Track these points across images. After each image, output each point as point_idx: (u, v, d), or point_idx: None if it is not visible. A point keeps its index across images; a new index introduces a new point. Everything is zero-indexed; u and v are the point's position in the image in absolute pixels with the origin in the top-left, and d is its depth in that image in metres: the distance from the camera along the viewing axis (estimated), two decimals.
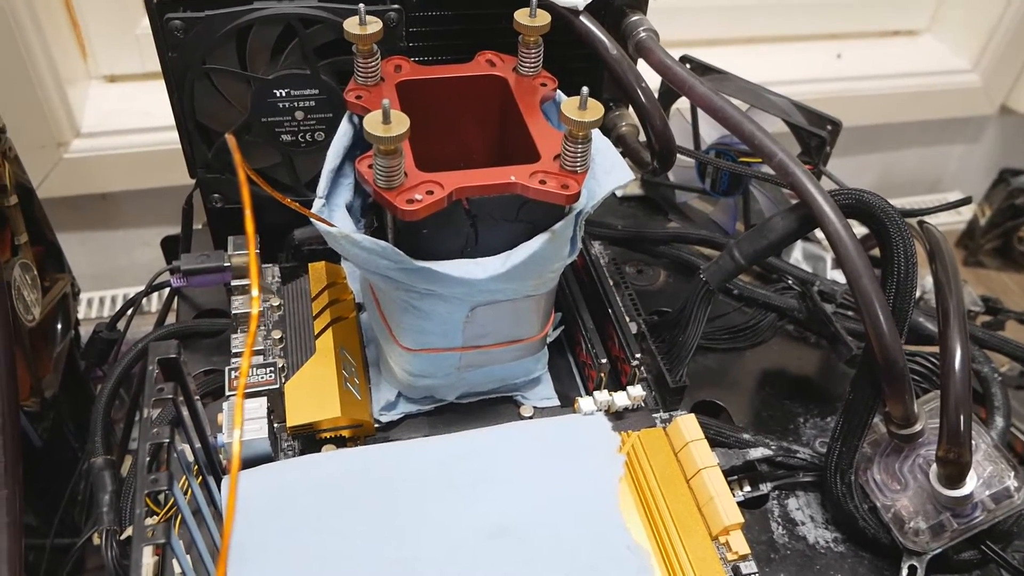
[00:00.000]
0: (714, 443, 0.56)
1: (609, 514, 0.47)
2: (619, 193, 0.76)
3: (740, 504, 0.54)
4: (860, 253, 0.46)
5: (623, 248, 0.70)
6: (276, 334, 0.56)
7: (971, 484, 0.47)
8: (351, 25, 0.45)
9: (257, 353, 0.54)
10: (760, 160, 0.65)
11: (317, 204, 0.45)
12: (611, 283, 0.59)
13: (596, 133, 0.48)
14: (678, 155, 0.64)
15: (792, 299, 0.66)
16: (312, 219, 0.43)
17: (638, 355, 0.53)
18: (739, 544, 0.48)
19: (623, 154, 0.65)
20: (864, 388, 0.50)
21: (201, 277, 0.59)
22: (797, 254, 0.71)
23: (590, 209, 0.46)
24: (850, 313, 0.64)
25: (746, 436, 0.56)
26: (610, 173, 0.47)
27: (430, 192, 0.41)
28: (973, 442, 0.50)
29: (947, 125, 1.26)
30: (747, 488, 0.55)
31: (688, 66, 0.67)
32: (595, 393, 0.52)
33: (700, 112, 0.68)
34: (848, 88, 1.17)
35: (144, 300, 0.68)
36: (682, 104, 0.71)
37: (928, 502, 0.49)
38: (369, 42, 0.46)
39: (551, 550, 0.45)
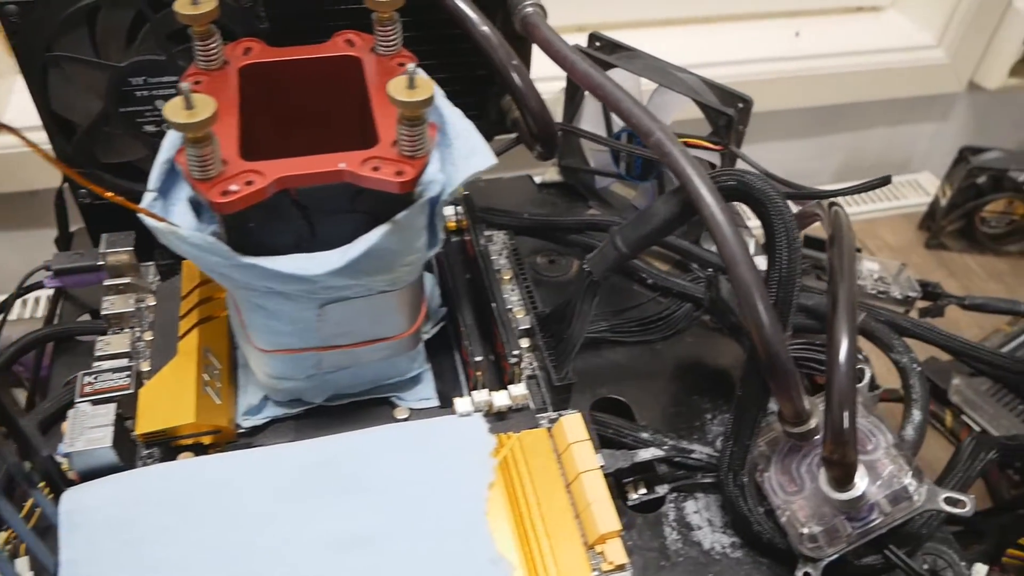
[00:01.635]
0: (611, 443, 0.53)
1: (475, 523, 0.44)
2: (538, 180, 0.73)
3: (634, 508, 0.51)
4: (737, 237, 0.42)
5: (537, 238, 0.66)
6: (148, 336, 0.54)
7: (861, 485, 0.44)
8: (182, 5, 0.42)
9: (123, 356, 0.51)
10: (718, 148, 0.62)
11: (147, 198, 0.42)
12: (502, 275, 0.56)
13: (457, 115, 0.45)
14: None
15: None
16: (139, 213, 0.40)
17: (516, 352, 0.49)
18: (616, 554, 0.45)
19: (519, 139, 0.61)
20: (753, 384, 0.47)
21: (75, 277, 0.57)
22: None
23: (447, 196, 0.43)
24: None
25: (644, 435, 0.53)
26: (469, 158, 0.43)
27: (249, 182, 0.38)
28: (873, 440, 0.47)
29: (914, 103, 1.22)
30: (642, 491, 0.52)
31: (597, 44, 0.64)
32: (474, 393, 0.49)
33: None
34: (808, 67, 1.13)
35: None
36: None
37: (823, 505, 0.46)
38: (203, 22, 0.43)
39: (407, 562, 0.42)
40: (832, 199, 0.54)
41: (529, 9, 0.52)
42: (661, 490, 0.52)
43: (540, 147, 0.53)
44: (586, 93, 0.67)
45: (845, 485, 0.43)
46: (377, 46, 0.46)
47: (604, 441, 0.53)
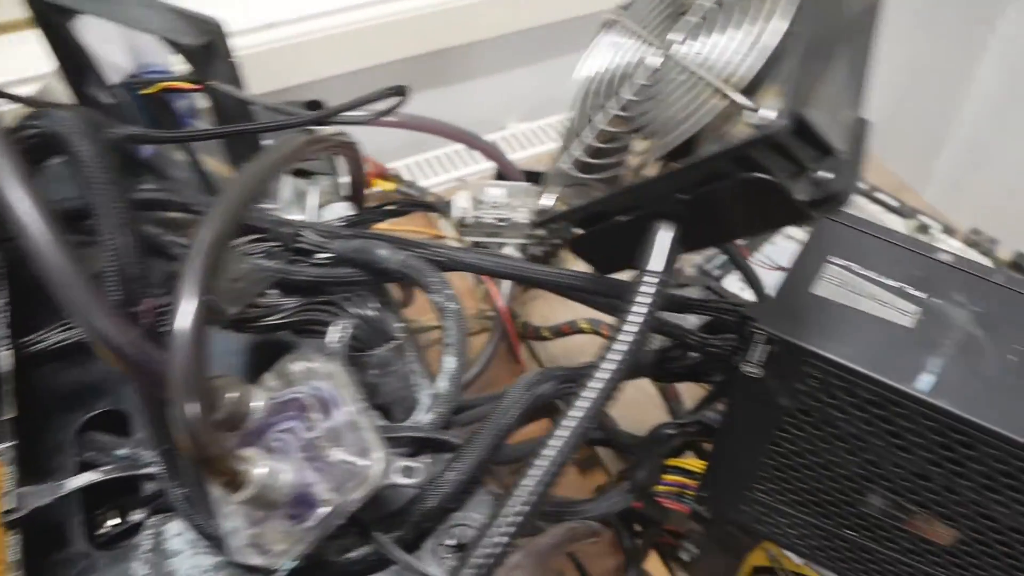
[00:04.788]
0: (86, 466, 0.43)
1: None
2: None
3: (105, 543, 0.42)
4: (28, 198, 0.32)
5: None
6: None
7: (262, 479, 0.35)
8: None
9: None
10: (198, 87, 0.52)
11: None
12: None
13: None
14: None
15: None
16: None
17: None
18: None
19: None
20: None
21: None
22: (286, 192, 0.58)
23: None
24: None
25: (122, 451, 0.44)
26: None
27: None
28: (316, 415, 0.39)
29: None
30: (112, 522, 0.43)
31: None
32: None
33: (108, 40, 0.54)
34: None
35: None
36: None
37: (247, 507, 0.37)
38: None
39: None
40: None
41: None
42: (137, 516, 0.43)
43: None
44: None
45: (231, 487, 0.34)
46: None
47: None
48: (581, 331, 0.72)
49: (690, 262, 0.87)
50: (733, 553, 0.54)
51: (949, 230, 0.87)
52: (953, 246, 0.85)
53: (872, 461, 0.41)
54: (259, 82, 0.76)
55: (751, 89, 0.30)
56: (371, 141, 1.06)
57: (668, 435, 0.52)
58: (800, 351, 0.38)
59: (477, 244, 0.74)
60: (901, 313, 0.39)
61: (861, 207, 0.88)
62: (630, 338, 0.32)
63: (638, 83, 0.36)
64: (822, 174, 0.31)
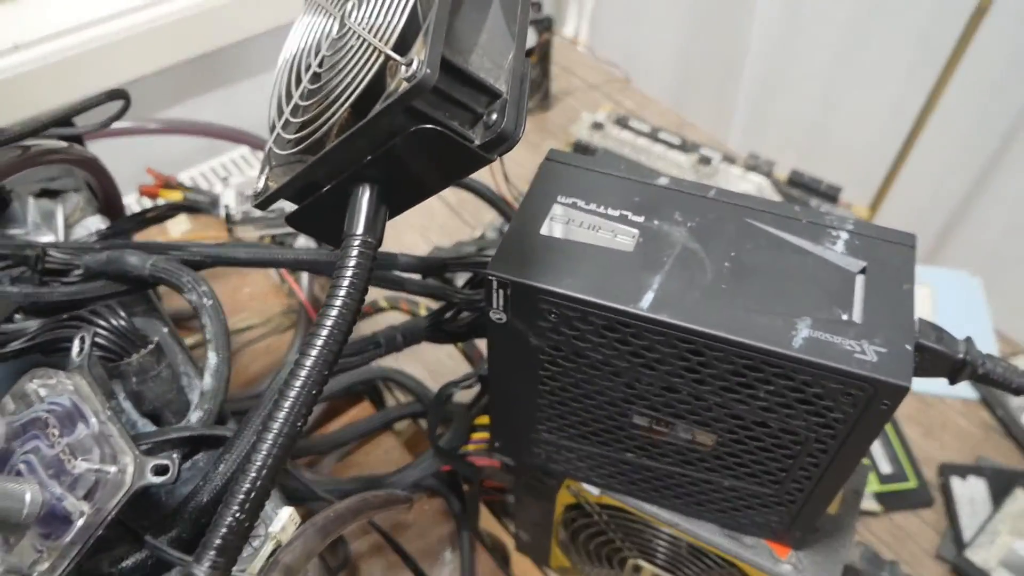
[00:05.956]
0: None
1: None
2: None
3: None
4: None
5: None
6: None
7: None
8: None
9: None
10: None
11: None
12: None
13: None
14: None
15: None
16: None
17: None
18: None
19: None
20: None
21: None
22: (32, 215, 0.55)
23: None
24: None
25: None
26: None
27: None
28: (57, 430, 0.38)
29: None
30: None
31: None
32: None
33: None
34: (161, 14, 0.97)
35: None
36: None
37: None
38: None
39: None
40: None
41: None
42: None
43: None
44: None
45: None
46: None
47: None
48: (383, 309, 0.73)
49: (492, 225, 0.88)
50: (544, 496, 0.56)
51: (729, 158, 0.92)
52: (734, 172, 0.90)
53: (628, 384, 0.43)
54: (13, 110, 0.71)
55: (407, 44, 0.31)
56: (160, 152, 1.02)
57: (449, 394, 0.53)
58: (531, 290, 0.39)
59: (272, 239, 0.73)
60: (623, 239, 0.42)
61: (647, 148, 0.92)
62: (338, 302, 0.32)
63: (323, 54, 0.36)
64: (493, 117, 0.32)
